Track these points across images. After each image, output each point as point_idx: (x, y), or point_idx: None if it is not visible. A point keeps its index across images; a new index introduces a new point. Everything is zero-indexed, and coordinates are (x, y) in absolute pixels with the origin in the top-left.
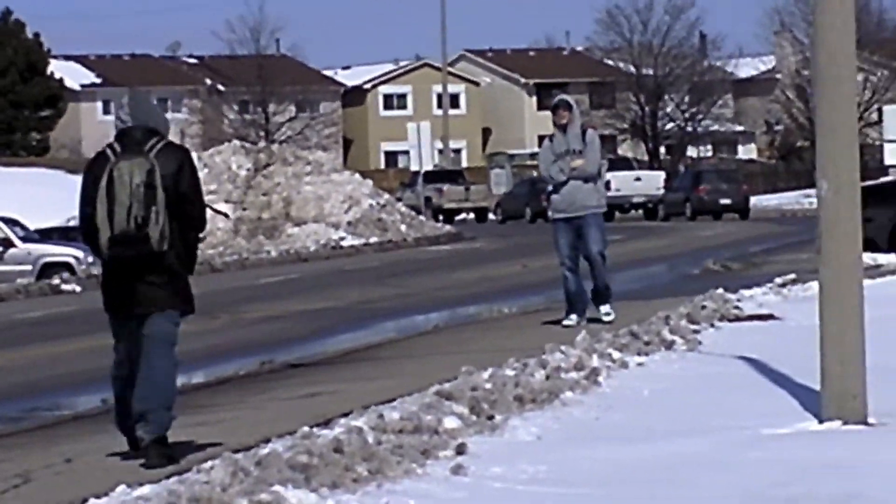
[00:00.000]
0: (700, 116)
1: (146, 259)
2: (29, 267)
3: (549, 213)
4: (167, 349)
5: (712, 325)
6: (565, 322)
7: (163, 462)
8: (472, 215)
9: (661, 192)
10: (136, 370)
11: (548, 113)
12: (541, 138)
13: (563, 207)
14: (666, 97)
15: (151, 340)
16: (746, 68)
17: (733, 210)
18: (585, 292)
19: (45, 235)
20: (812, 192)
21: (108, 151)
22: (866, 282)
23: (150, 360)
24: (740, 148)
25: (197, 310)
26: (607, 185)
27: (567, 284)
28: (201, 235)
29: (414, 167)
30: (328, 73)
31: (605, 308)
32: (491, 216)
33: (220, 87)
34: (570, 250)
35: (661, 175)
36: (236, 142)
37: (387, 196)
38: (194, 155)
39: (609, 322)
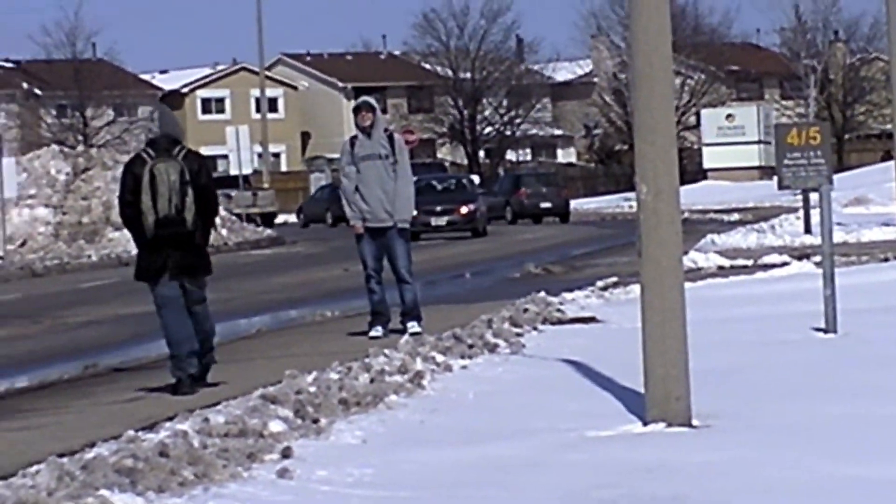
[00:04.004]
0: (518, 120)
1: (182, 236)
2: None
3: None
4: (204, 302)
5: (535, 329)
6: (372, 334)
7: (195, 390)
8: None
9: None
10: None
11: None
12: None
13: (366, 216)
14: (484, 101)
15: (191, 299)
16: (564, 72)
17: (553, 213)
18: (387, 303)
19: None
20: (631, 195)
21: (144, 155)
22: (687, 284)
23: (195, 314)
24: (559, 151)
25: (17, 315)
26: None
27: (371, 296)
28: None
29: (233, 171)
30: (146, 77)
31: (412, 324)
32: (291, 219)
33: (37, 92)
34: (374, 261)
35: (475, 178)
36: (55, 146)
37: None
38: (12, 159)
39: (416, 333)
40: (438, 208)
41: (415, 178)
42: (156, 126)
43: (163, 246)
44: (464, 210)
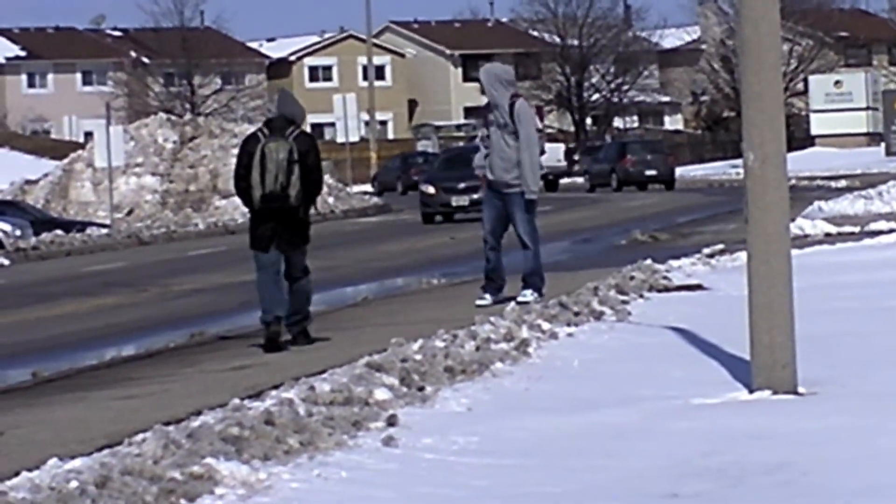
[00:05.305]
0: (626, 87)
1: (286, 210)
2: None
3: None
4: (303, 271)
5: (641, 296)
6: (478, 302)
7: (306, 342)
8: None
9: (563, 164)
10: (276, 283)
11: (474, 84)
12: (466, 110)
13: (489, 177)
14: (591, 68)
15: (293, 266)
16: (671, 39)
17: (659, 181)
18: (503, 270)
19: None
20: (738, 162)
21: (259, 134)
22: (794, 251)
23: (294, 279)
24: (666, 118)
25: (124, 283)
26: None
27: (486, 263)
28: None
29: (340, 139)
30: (253, 45)
31: (525, 293)
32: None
33: (145, 60)
34: (492, 224)
35: (561, 147)
36: (162, 114)
37: None
38: (120, 127)
39: (523, 302)
40: (462, 185)
41: (454, 148)
42: (274, 106)
43: (268, 218)
44: None
